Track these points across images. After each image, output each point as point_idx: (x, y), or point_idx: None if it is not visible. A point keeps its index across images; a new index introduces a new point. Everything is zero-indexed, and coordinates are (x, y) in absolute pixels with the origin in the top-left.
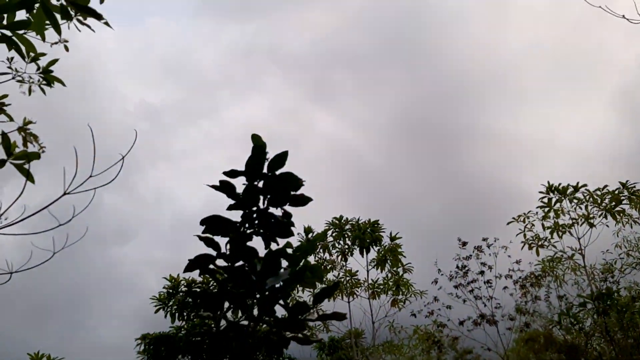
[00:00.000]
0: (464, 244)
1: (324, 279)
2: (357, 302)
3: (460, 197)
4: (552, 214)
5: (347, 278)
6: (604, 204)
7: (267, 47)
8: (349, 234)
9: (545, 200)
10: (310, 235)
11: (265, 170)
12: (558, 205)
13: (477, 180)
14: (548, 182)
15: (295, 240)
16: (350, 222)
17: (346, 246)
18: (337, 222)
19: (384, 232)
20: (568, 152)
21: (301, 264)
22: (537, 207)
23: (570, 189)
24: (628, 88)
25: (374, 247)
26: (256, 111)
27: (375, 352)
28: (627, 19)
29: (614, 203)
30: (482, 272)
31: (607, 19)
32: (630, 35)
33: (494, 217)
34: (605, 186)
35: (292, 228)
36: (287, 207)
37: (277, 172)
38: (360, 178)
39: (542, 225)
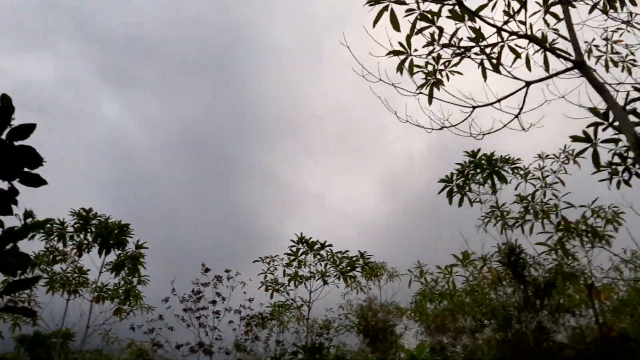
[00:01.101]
0: (207, 270)
1: (50, 269)
2: (78, 301)
3: (224, 222)
4: (295, 264)
5: (75, 275)
6: (340, 266)
7: (75, 9)
8: (94, 229)
9: (294, 249)
10: (29, 220)
11: (3, 137)
12: (303, 256)
13: (243, 213)
14: (301, 234)
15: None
16: (98, 218)
17: (86, 241)
18: (84, 213)
19: (131, 237)
20: (331, 211)
21: (7, 247)
22: (285, 254)
23: (318, 245)
24: (394, 174)
25: (116, 250)
26: (36, 70)
27: (80, 357)
28: (397, 116)
29: (349, 267)
30: (214, 302)
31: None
32: (408, 128)
33: (247, 251)
34: (347, 251)
35: (14, 207)
36: (18, 184)
37: (17, 143)
38: (131, 177)
39: (284, 271)
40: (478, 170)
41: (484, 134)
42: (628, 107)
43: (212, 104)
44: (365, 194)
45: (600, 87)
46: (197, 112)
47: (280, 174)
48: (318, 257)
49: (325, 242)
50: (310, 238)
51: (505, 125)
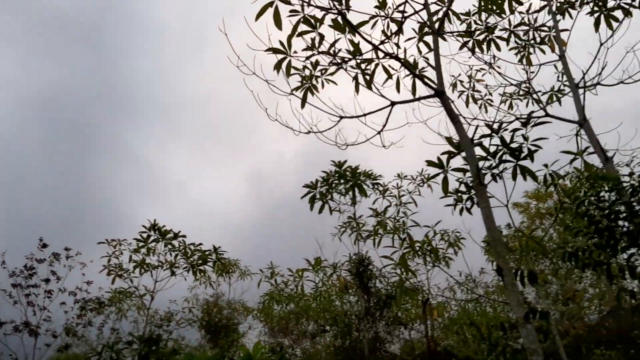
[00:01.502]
0: (44, 245)
1: None
2: None
3: (74, 197)
4: (144, 250)
5: None
6: (192, 259)
7: None
8: None
9: (145, 235)
10: None
11: None
12: (154, 244)
13: (98, 190)
14: (154, 220)
15: None
16: None
17: None
18: None
19: None
20: (193, 202)
21: None
22: (134, 239)
23: (171, 234)
24: (263, 173)
25: None
26: None
27: None
28: (267, 114)
29: (200, 261)
30: (47, 280)
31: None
32: (283, 130)
33: (94, 231)
34: (200, 244)
35: None
36: None
37: None
38: None
39: (130, 257)
40: (342, 181)
41: (347, 145)
42: (475, 141)
43: (82, 71)
44: (231, 189)
45: (454, 118)
46: (63, 77)
47: (144, 155)
48: (169, 246)
49: (179, 232)
50: (164, 226)
51: (368, 140)
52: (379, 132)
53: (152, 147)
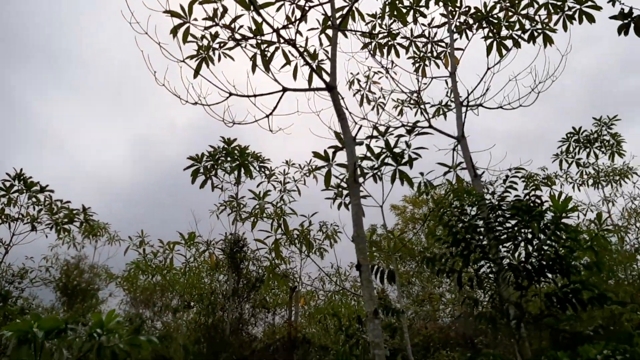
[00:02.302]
0: None
1: None
2: None
3: None
4: (4, 200)
5: None
6: (57, 216)
7: None
8: None
9: (7, 184)
10: None
11: None
12: (16, 195)
13: None
14: (20, 170)
15: None
16: None
17: None
18: None
19: None
20: (71, 157)
21: None
22: None
23: (37, 187)
24: (151, 140)
25: None
26: None
27: None
28: (155, 78)
29: (66, 219)
30: None
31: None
32: (177, 99)
33: None
34: (69, 202)
35: None
36: None
37: None
38: None
39: None
40: (228, 159)
41: (234, 123)
42: (359, 140)
43: None
44: (116, 153)
45: (340, 114)
46: None
47: (20, 99)
48: (34, 199)
49: (46, 185)
50: (30, 177)
51: (256, 121)
52: (267, 116)
53: (32, 92)
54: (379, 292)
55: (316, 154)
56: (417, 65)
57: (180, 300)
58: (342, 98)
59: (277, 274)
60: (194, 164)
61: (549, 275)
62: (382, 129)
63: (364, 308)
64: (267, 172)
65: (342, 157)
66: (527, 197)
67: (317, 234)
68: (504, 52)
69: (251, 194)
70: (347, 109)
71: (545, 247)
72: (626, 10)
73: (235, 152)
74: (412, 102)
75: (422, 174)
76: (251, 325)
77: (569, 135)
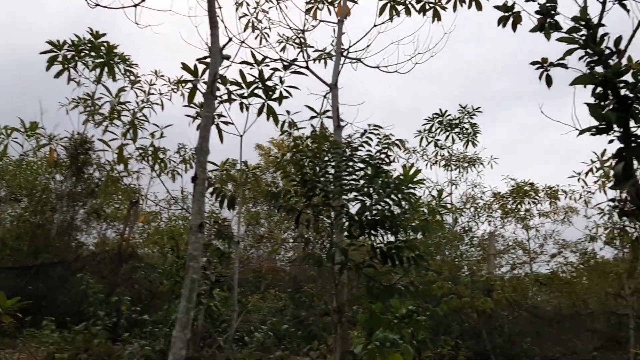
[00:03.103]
0: None
1: None
2: None
3: None
4: None
5: None
6: None
7: None
8: None
9: None
10: None
11: None
12: None
13: None
14: None
15: None
16: None
17: None
18: None
19: None
20: None
21: None
22: None
23: None
24: (16, 18)
25: None
26: None
27: None
28: None
29: None
30: None
31: None
32: None
33: None
34: None
35: None
36: None
37: None
38: None
39: None
40: (93, 53)
41: (97, 5)
42: (226, 54)
43: None
44: None
45: (213, 22)
46: None
47: None
48: None
49: None
50: None
51: (122, 8)
52: (135, 5)
53: None
54: (222, 219)
55: (185, 67)
56: (309, 5)
57: (8, 192)
58: (220, 7)
59: (115, 180)
60: (52, 49)
61: (380, 231)
62: (259, 57)
63: (190, 221)
64: (133, 78)
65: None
66: (378, 153)
67: (175, 155)
68: (394, 16)
69: (109, 97)
70: (222, 21)
71: (382, 204)
72: (510, 3)
73: (102, 48)
74: (296, 41)
75: (288, 112)
76: (82, 232)
77: (434, 115)
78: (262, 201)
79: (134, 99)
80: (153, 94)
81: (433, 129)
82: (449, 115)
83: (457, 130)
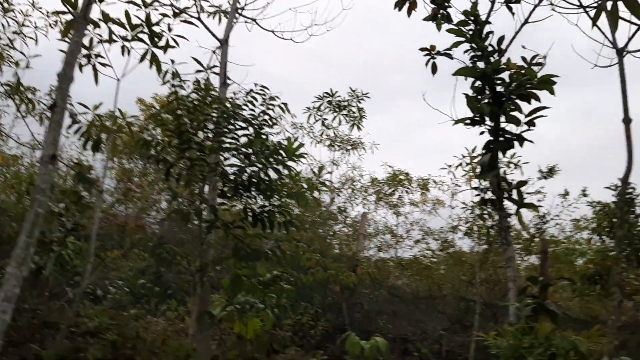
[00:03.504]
0: None
1: None
2: None
3: None
4: None
5: None
6: None
7: None
8: None
9: None
10: None
11: None
12: None
13: None
14: None
15: None
16: None
17: None
18: None
19: None
20: None
21: None
22: None
23: None
24: None
25: None
26: None
27: None
28: None
29: None
30: None
31: None
32: None
33: None
34: None
35: None
36: None
37: None
38: None
39: None
40: None
41: None
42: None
43: None
44: None
45: None
46: None
47: None
48: None
49: None
50: None
51: None
52: None
53: None
54: (84, 164)
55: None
56: None
57: None
58: None
59: None
60: None
61: (254, 193)
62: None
63: (43, 151)
64: (6, 5)
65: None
66: (262, 114)
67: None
68: None
69: None
70: None
71: (260, 166)
72: None
73: None
74: None
75: (172, 61)
76: None
77: (324, 95)
78: (136, 157)
79: (3, 29)
80: (27, 26)
81: (322, 107)
82: (339, 96)
83: (344, 112)
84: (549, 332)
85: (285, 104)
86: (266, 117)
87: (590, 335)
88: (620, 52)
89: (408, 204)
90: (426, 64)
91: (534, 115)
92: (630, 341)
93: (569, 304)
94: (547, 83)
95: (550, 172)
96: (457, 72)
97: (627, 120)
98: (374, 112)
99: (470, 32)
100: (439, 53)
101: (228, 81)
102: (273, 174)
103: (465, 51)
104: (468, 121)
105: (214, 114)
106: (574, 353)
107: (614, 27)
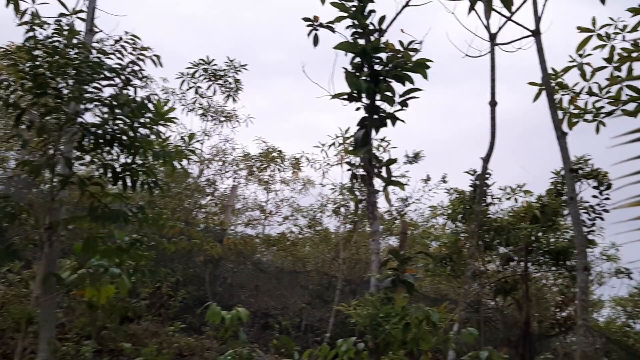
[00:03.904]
0: None
1: None
2: None
3: None
4: None
5: None
6: None
7: None
8: None
9: None
10: None
11: None
12: None
13: None
14: None
15: None
16: None
17: None
18: None
19: None
20: None
21: None
22: None
23: None
24: None
25: None
26: None
27: None
28: None
29: None
30: None
31: None
32: None
33: None
34: None
35: None
36: None
37: None
38: None
39: None
40: None
41: None
42: None
43: None
44: None
45: None
46: None
47: None
48: None
49: None
50: None
51: None
52: None
53: None
54: None
55: None
56: None
57: None
58: None
59: None
60: None
61: (117, 149)
62: None
63: None
64: None
65: None
66: (132, 64)
67: None
68: None
69: None
70: None
71: (125, 120)
72: None
73: None
74: None
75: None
76: None
77: (200, 61)
78: None
79: None
80: None
81: (197, 75)
82: (215, 65)
83: (220, 82)
84: (405, 302)
85: (157, 57)
86: (136, 68)
87: (441, 310)
88: (493, 38)
89: (279, 182)
90: (308, 35)
91: (407, 97)
92: (471, 319)
93: (422, 284)
94: (422, 67)
95: (415, 158)
96: (339, 46)
97: (493, 103)
98: (251, 87)
99: (354, 9)
100: (321, 25)
101: (95, 29)
102: (139, 131)
103: (348, 27)
104: (345, 96)
105: (76, 60)
106: (427, 322)
107: (488, 13)
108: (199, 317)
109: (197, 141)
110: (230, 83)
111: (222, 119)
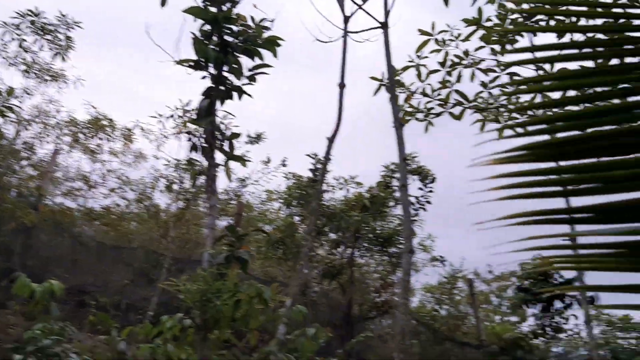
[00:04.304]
0: None
1: None
2: None
3: None
4: None
5: None
6: None
7: None
8: None
9: None
10: None
11: None
12: None
13: None
14: None
15: None
16: None
17: None
18: None
19: None
20: None
21: None
22: None
23: None
24: None
25: None
26: None
27: None
28: None
29: None
30: None
31: None
32: None
33: None
34: None
35: None
36: None
37: None
38: None
39: None
40: None
41: None
42: None
43: None
44: None
45: None
46: None
47: None
48: None
49: None
50: None
51: None
52: None
53: None
54: None
55: None
56: None
57: None
58: None
59: None
60: None
61: None
62: None
63: None
64: None
65: None
66: None
67: None
68: None
69: None
70: None
71: None
72: None
73: None
74: None
75: None
76: None
77: (27, 12)
78: None
79: None
80: None
81: (22, 26)
82: (45, 18)
83: (49, 37)
84: (237, 279)
85: None
86: None
87: (272, 289)
88: (347, 21)
89: (108, 152)
90: None
91: (256, 71)
92: (298, 302)
93: (252, 266)
94: (272, 44)
95: (257, 139)
96: (188, 10)
97: (342, 85)
98: (90, 47)
99: None
100: None
101: None
102: None
103: None
104: (192, 64)
105: None
106: (259, 300)
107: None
108: (5, 291)
109: (16, 98)
110: (60, 40)
111: (48, 77)
